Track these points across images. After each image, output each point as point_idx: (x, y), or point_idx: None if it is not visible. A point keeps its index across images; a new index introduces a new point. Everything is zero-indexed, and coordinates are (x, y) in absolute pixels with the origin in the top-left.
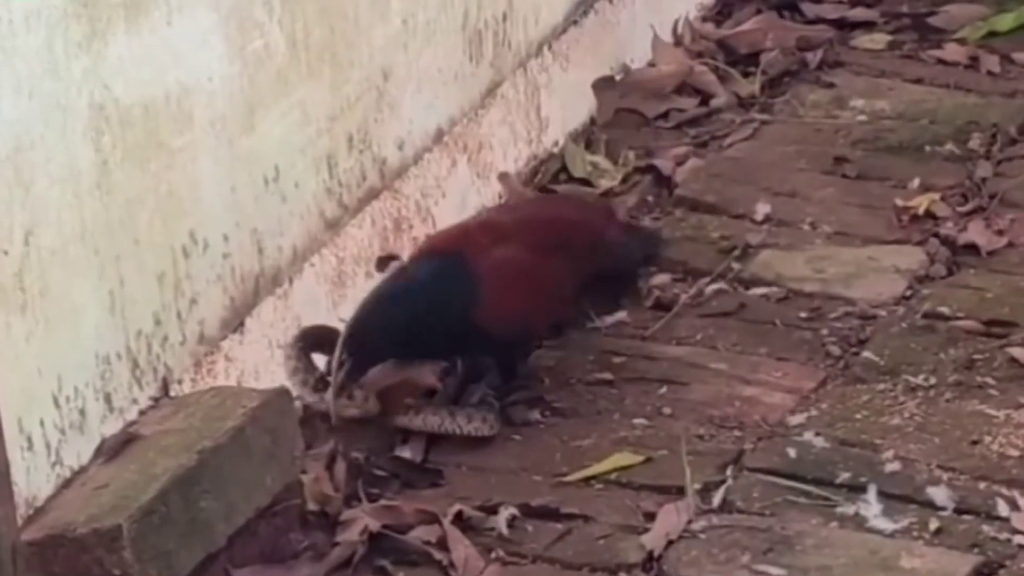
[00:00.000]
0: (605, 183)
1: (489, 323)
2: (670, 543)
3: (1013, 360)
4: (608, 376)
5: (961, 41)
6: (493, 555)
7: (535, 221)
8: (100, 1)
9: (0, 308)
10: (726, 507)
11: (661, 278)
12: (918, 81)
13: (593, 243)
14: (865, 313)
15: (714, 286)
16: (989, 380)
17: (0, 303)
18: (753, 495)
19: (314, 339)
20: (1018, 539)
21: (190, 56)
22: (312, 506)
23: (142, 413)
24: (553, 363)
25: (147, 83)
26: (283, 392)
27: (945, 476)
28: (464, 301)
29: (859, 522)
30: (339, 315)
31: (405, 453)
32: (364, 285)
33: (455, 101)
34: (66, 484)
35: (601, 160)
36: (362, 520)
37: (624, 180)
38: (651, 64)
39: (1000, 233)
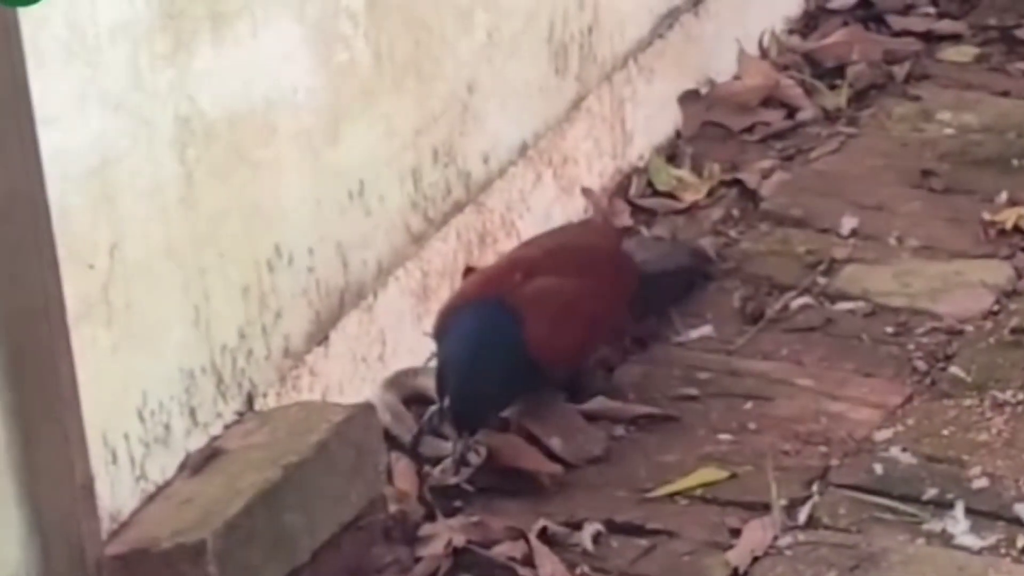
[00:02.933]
0: (690, 197)
1: (543, 356)
2: (755, 560)
3: None
4: (693, 391)
5: None
6: (578, 571)
7: (558, 250)
8: (185, 14)
9: (86, 322)
10: (812, 523)
11: (745, 291)
12: (1005, 94)
13: (616, 262)
14: (952, 328)
15: (800, 301)
16: None
17: (85, 317)
18: (839, 511)
19: (401, 389)
20: None
21: (275, 69)
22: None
23: (227, 427)
24: (638, 378)
25: (232, 96)
26: (368, 407)
27: None
28: (515, 342)
29: (946, 539)
30: (423, 328)
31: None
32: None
33: (540, 114)
34: (150, 498)
35: (686, 174)
36: (445, 535)
37: (709, 194)
38: (737, 77)
39: None
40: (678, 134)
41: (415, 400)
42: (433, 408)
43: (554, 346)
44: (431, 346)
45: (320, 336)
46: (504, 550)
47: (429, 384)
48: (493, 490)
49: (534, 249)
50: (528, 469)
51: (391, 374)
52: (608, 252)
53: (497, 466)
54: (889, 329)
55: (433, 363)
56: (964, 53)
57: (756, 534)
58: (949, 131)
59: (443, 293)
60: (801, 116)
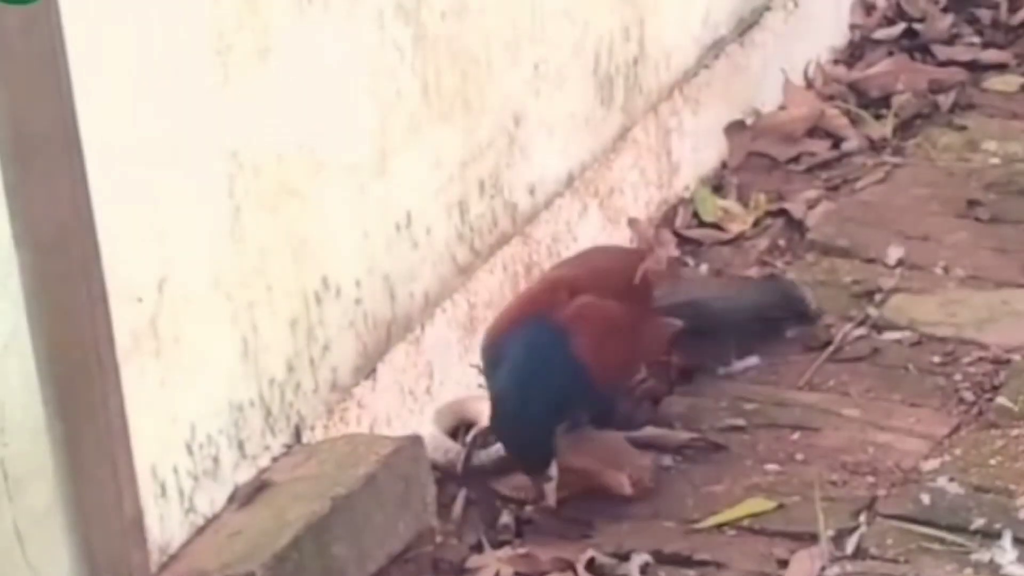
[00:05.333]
0: (736, 227)
1: (593, 371)
2: None
3: None
4: (740, 422)
5: None
6: None
7: (594, 270)
8: (233, 48)
9: (134, 355)
10: (860, 554)
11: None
12: None
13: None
14: (999, 358)
15: (847, 331)
16: None
17: (134, 350)
18: (887, 542)
19: (449, 419)
20: None
21: (322, 101)
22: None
23: (275, 460)
24: (685, 409)
25: (279, 129)
26: (416, 439)
27: None
28: (567, 361)
29: (994, 569)
30: (470, 360)
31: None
32: None
33: (586, 146)
34: (199, 531)
35: (732, 204)
36: (493, 567)
37: (755, 224)
38: (782, 107)
39: None
40: (724, 164)
41: (464, 428)
42: (475, 430)
43: (602, 361)
44: (478, 378)
45: (368, 369)
46: None
47: (477, 410)
48: (540, 521)
49: (572, 269)
50: (608, 485)
51: (437, 407)
52: (637, 274)
53: (575, 488)
54: (936, 359)
55: (482, 390)
56: (1009, 83)
57: (804, 564)
58: (995, 160)
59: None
60: (846, 146)
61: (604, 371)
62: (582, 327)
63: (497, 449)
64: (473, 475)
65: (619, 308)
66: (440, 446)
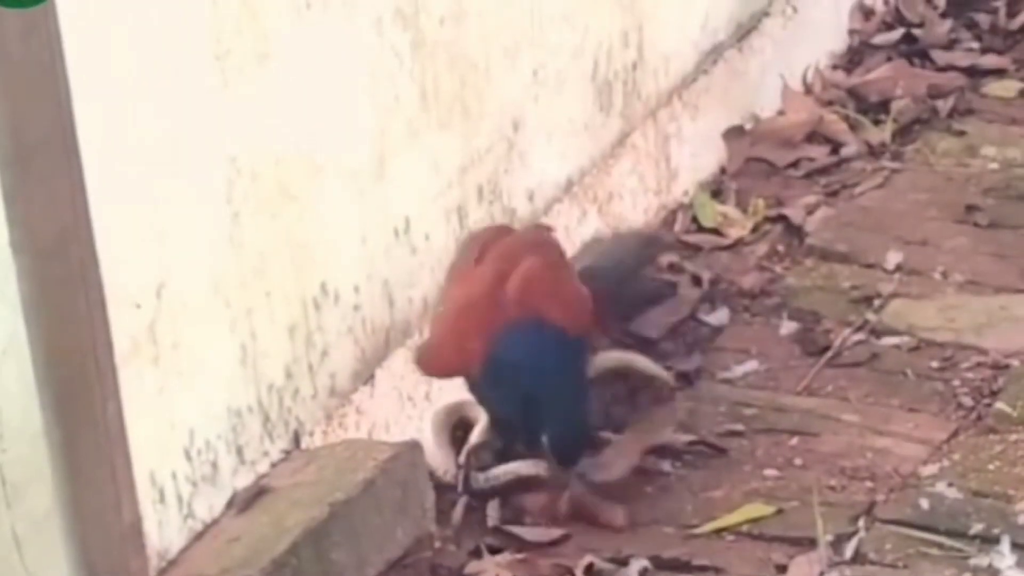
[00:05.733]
0: (735, 233)
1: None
2: None
3: None
4: (739, 427)
5: None
6: None
7: (521, 249)
8: (232, 53)
9: (133, 361)
10: (858, 559)
11: (789, 324)
12: None
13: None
14: (997, 363)
15: (846, 336)
16: None
17: (133, 356)
18: (885, 547)
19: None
20: None
21: (321, 106)
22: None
23: (273, 466)
24: (683, 415)
25: (278, 134)
26: (414, 445)
27: None
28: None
29: (992, 573)
30: None
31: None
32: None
33: (585, 151)
34: (198, 537)
35: (731, 210)
36: (492, 572)
37: (754, 229)
38: (781, 113)
39: None
40: (723, 170)
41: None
42: (474, 441)
43: (568, 311)
44: None
45: (366, 374)
46: None
47: (475, 414)
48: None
49: (503, 260)
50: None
51: (435, 411)
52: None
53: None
54: (934, 364)
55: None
56: (1008, 88)
57: (803, 570)
58: (993, 166)
59: None
60: (845, 151)
61: (575, 319)
62: (539, 296)
63: (498, 474)
64: (474, 496)
65: (543, 257)
66: (437, 455)
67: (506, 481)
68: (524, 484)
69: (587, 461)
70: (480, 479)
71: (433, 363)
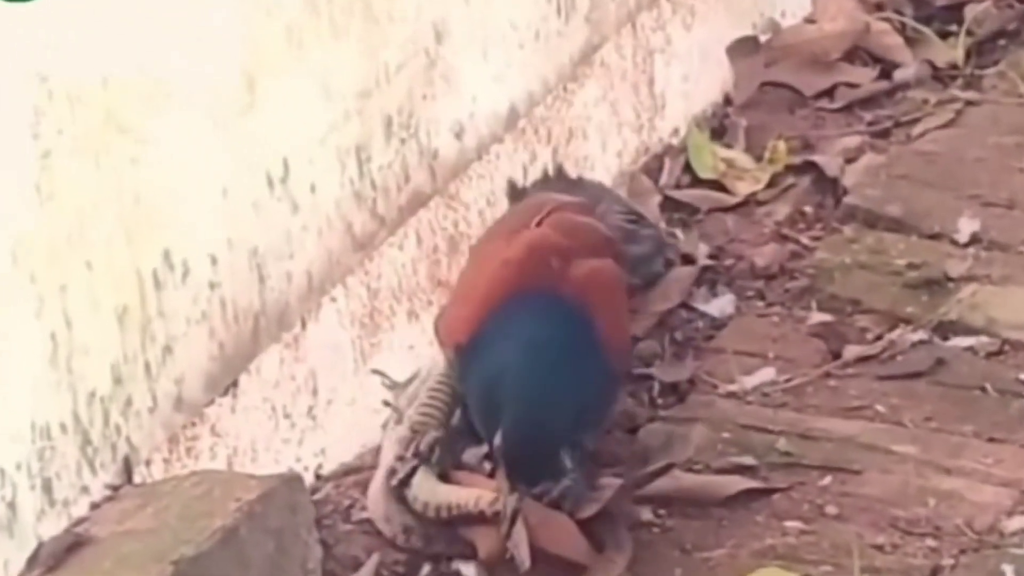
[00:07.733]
0: (744, 188)
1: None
2: None
3: None
4: (749, 460)
5: None
6: None
7: (567, 227)
8: None
9: None
10: None
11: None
12: None
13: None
14: None
15: (899, 335)
16: None
17: None
18: None
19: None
20: None
21: (165, 8)
22: None
23: (95, 507)
24: (664, 441)
25: (108, 47)
26: (293, 479)
27: None
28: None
29: None
30: (372, 367)
31: (468, 571)
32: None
33: (536, 71)
34: None
35: (738, 155)
36: None
37: (771, 184)
38: (810, 19)
39: None
40: (727, 100)
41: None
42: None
43: (617, 343)
44: (384, 394)
45: (226, 380)
46: None
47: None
48: None
49: (544, 227)
50: (564, 556)
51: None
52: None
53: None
54: (1023, 376)
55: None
56: None
57: None
58: None
59: (400, 320)
60: (900, 75)
61: (618, 353)
62: (597, 302)
63: (438, 501)
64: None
65: (619, 270)
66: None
67: (447, 511)
68: (466, 515)
69: (549, 484)
70: (417, 501)
71: (449, 333)
